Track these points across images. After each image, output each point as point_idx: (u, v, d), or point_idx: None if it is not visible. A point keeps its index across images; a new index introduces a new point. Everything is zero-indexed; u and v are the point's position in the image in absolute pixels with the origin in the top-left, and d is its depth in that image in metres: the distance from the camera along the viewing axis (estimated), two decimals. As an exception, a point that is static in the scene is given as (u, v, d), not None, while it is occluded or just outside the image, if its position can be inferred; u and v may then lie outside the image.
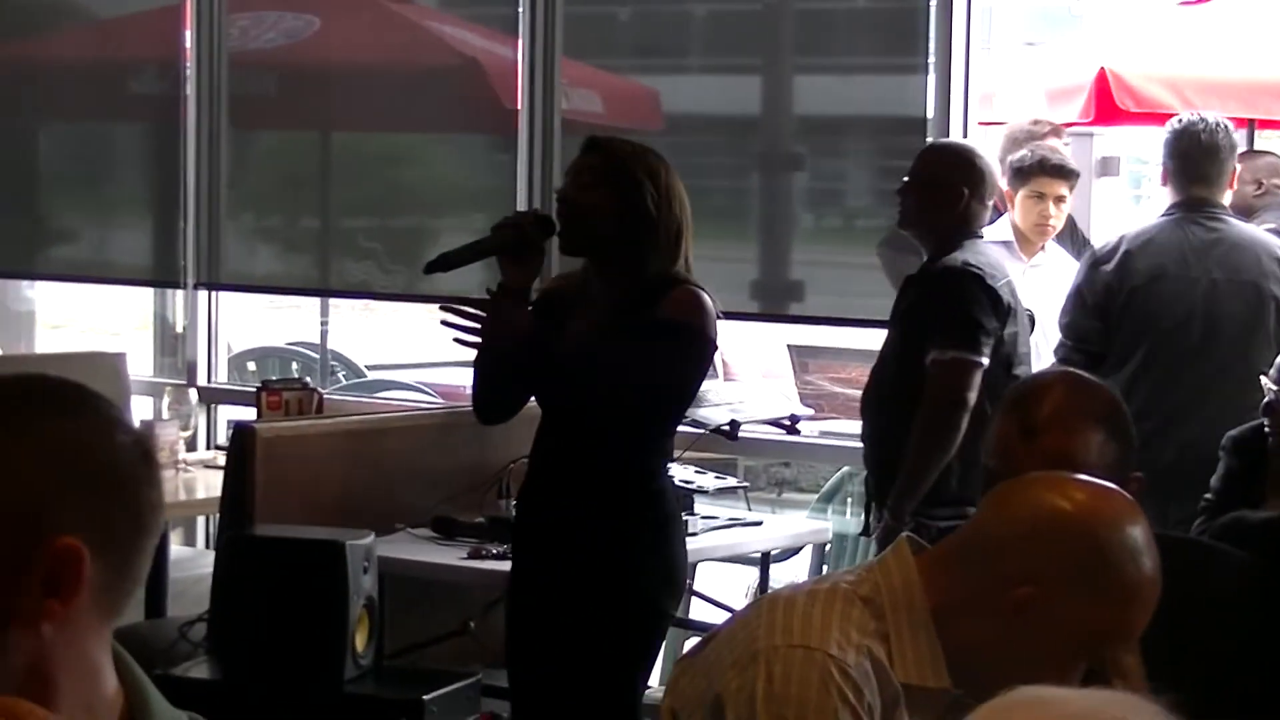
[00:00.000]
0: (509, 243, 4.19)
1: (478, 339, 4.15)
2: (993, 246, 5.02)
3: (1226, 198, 5.17)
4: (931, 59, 5.57)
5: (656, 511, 4.23)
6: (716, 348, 4.27)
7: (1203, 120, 5.13)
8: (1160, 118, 6.10)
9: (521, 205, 6.20)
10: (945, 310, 4.61)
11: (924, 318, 4.66)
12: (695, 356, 4.20)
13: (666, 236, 4.14)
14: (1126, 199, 12.04)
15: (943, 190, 4.70)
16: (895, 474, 4.64)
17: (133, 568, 1.63)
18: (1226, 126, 5.18)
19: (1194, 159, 5.08)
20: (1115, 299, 5.04)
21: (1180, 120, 5.19)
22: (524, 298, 4.21)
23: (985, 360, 4.58)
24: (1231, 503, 4.06)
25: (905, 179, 4.81)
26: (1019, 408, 2.65)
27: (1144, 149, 10.91)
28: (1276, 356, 4.21)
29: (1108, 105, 6.93)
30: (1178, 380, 4.97)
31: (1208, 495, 4.17)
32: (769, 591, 2.45)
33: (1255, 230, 5.24)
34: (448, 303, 4.19)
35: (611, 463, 4.20)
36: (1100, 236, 6.16)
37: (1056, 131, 6.13)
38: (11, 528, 1.57)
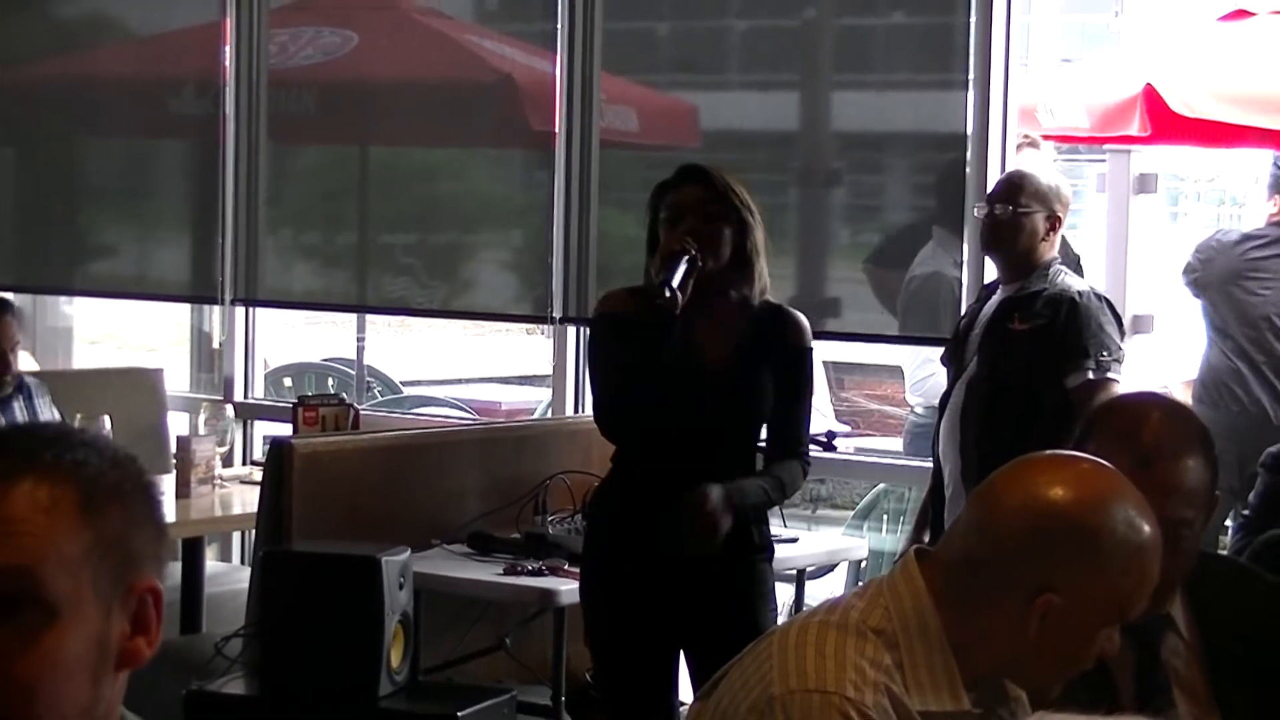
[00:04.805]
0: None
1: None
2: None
3: None
4: (971, 75, 5.56)
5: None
6: None
7: None
8: (1208, 134, 6.46)
9: (559, 220, 6.20)
10: (1086, 334, 4.71)
11: (1059, 340, 4.72)
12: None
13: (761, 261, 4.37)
14: (1164, 216, 11.96)
15: (1031, 216, 4.79)
16: None
17: (162, 610, 1.63)
18: None
19: None
20: None
21: None
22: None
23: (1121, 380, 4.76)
24: (1272, 520, 4.04)
25: (989, 204, 4.87)
26: (1128, 438, 2.62)
27: (1182, 166, 10.83)
28: None
29: (1162, 119, 6.90)
30: None
31: (1246, 512, 4.16)
32: (780, 623, 2.39)
33: None
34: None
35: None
36: (1136, 253, 6.69)
37: (1034, 144, 6.13)
38: (122, 569, 1.56)
